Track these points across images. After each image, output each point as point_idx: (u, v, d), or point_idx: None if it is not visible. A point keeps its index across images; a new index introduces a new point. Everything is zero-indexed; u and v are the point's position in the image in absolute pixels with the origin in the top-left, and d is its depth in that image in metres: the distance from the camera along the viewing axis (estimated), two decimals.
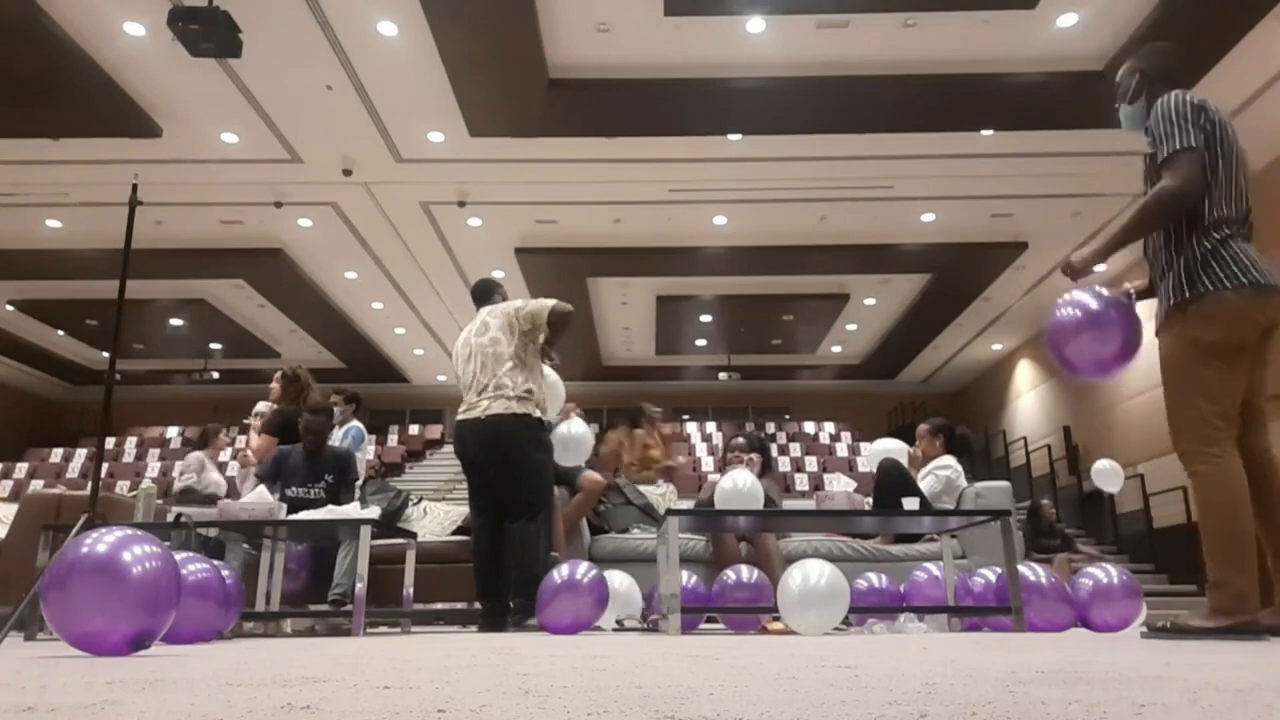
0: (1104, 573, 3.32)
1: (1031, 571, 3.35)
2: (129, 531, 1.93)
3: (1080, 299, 2.62)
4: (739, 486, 3.70)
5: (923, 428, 4.91)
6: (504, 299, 4.20)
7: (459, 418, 3.91)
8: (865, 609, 3.78)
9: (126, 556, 1.86)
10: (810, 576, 3.01)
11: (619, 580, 3.65)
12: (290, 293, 13.23)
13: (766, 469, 4.68)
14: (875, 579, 3.92)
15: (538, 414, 3.84)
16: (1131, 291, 2.68)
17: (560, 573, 3.24)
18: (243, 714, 0.83)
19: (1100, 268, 2.65)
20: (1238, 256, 2.39)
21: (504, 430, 3.76)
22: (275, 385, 5.46)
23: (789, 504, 5.54)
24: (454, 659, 1.70)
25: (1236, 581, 2.26)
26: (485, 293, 4.25)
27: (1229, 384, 2.37)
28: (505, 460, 3.76)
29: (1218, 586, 2.30)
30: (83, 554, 1.84)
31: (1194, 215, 2.46)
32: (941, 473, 4.62)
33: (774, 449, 15.01)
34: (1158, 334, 2.51)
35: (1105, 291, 2.63)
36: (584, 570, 3.26)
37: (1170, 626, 2.37)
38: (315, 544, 4.39)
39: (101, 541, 1.87)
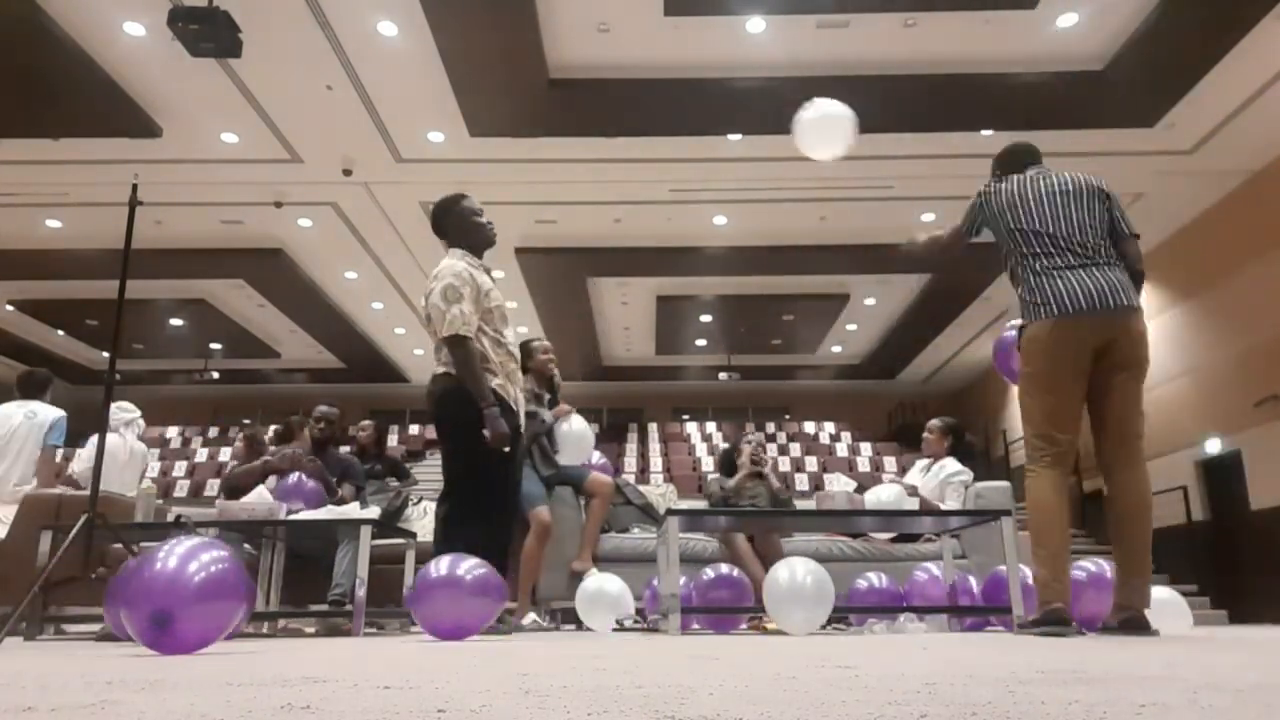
0: (1095, 567, 3.32)
1: (1025, 574, 3.35)
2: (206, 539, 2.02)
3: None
4: (882, 498, 4.30)
5: (935, 424, 4.93)
6: (452, 238, 3.46)
7: None
8: (865, 609, 3.78)
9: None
10: (797, 575, 2.99)
11: (611, 583, 3.64)
12: (290, 293, 13.23)
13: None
14: (875, 579, 3.92)
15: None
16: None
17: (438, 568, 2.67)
18: (243, 714, 0.83)
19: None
20: (1044, 289, 2.74)
21: (431, 391, 3.30)
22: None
23: None
24: (454, 659, 1.70)
25: (1039, 573, 2.67)
26: (436, 228, 3.53)
27: (1048, 411, 2.72)
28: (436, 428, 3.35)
29: (1034, 576, 2.72)
30: None
31: (1018, 260, 2.89)
32: (956, 477, 4.63)
33: (774, 449, 15.03)
34: None
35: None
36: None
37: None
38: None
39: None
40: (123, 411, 5.32)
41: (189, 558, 1.89)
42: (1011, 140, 3.35)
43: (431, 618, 2.63)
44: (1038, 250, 2.83)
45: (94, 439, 5.32)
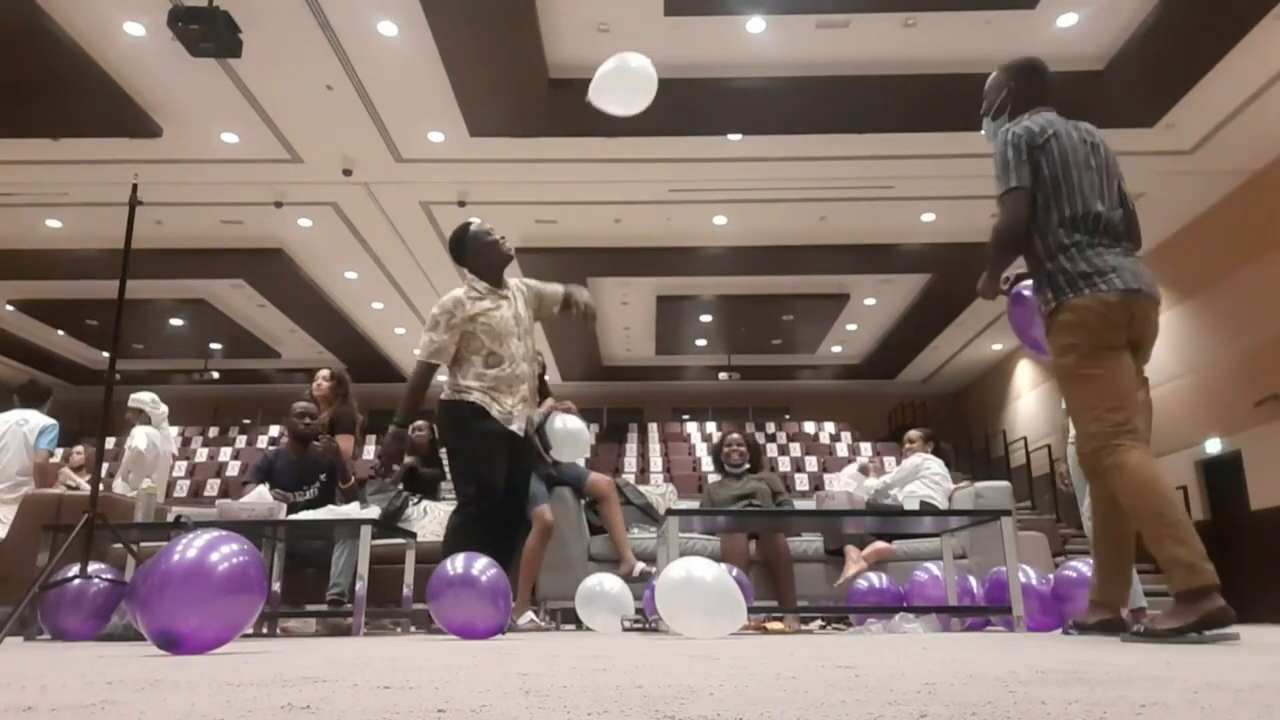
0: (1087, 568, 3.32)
1: (1024, 573, 3.36)
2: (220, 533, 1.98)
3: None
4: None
5: (914, 433, 5.27)
6: (471, 263, 3.60)
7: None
8: (865, 609, 3.78)
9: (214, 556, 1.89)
10: (694, 574, 2.64)
11: (611, 583, 3.63)
12: (290, 293, 13.24)
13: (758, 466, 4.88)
14: (875, 579, 3.92)
15: (462, 397, 3.39)
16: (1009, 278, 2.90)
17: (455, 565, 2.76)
18: (243, 714, 0.83)
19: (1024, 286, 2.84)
20: (1096, 262, 2.47)
21: (436, 413, 3.57)
22: (323, 384, 5.19)
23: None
24: (454, 659, 1.70)
25: (1180, 554, 2.16)
26: (457, 258, 3.67)
27: (1113, 378, 2.40)
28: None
29: (1170, 568, 2.19)
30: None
31: (1043, 232, 2.60)
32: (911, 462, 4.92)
33: (774, 449, 15.02)
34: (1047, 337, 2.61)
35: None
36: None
37: (1144, 631, 2.24)
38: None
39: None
40: (156, 406, 5.37)
41: (200, 567, 1.84)
42: None
43: (447, 614, 2.71)
44: (1088, 227, 2.55)
45: (139, 431, 5.43)
